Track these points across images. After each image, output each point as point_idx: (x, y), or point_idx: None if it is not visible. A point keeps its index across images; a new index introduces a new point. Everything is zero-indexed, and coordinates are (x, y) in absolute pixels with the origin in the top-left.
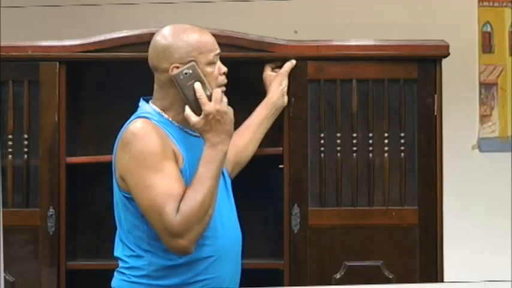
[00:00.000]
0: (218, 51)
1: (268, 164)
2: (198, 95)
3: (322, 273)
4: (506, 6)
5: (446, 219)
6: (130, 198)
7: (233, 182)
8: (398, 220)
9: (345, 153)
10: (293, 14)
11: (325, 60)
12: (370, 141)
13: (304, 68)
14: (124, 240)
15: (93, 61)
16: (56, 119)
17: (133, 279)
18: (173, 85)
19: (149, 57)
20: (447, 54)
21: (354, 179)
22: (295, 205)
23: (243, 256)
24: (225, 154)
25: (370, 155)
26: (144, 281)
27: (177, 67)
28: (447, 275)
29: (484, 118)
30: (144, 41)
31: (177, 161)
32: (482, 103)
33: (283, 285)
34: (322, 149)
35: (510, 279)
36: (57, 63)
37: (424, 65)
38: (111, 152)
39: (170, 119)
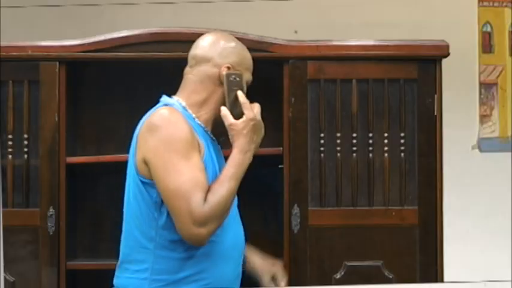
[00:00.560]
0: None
1: (268, 164)
2: (241, 100)
3: (322, 273)
4: (506, 6)
5: (446, 219)
6: (147, 184)
7: None
8: (398, 220)
9: (345, 153)
10: (293, 14)
11: (325, 60)
12: (370, 141)
13: (304, 68)
14: (130, 231)
15: (93, 61)
16: (56, 119)
17: (136, 274)
18: (214, 82)
19: (203, 48)
20: (447, 54)
21: (354, 179)
22: (295, 205)
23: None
24: (247, 165)
25: (370, 155)
26: (147, 275)
27: (229, 68)
28: (447, 275)
29: (484, 118)
30: (144, 41)
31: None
32: (482, 103)
33: None
34: (322, 149)
35: (510, 279)
36: (57, 63)
37: (424, 65)
38: (111, 152)
39: (193, 115)
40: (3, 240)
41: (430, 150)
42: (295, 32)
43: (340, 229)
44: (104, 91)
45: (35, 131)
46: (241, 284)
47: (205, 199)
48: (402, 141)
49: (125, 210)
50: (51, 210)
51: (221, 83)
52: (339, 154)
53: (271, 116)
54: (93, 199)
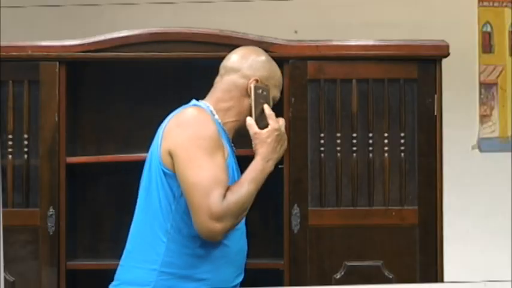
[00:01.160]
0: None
1: None
2: (267, 112)
3: (322, 273)
4: (506, 6)
5: (446, 219)
6: (169, 176)
7: None
8: (398, 220)
9: (345, 153)
10: (293, 14)
11: (325, 60)
12: (370, 141)
13: (304, 68)
14: (146, 222)
15: (93, 61)
16: (56, 119)
17: (145, 264)
18: (241, 92)
19: (233, 59)
20: (447, 54)
21: (354, 179)
22: (295, 205)
23: None
24: (268, 173)
25: (370, 155)
26: (156, 266)
27: (257, 81)
28: (447, 275)
29: (484, 118)
30: (144, 41)
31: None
32: (482, 103)
33: (283, 285)
34: (322, 149)
35: (510, 279)
36: (57, 63)
37: (424, 65)
38: (111, 152)
39: (220, 120)
40: (3, 240)
41: (430, 150)
42: (295, 32)
43: (340, 229)
44: (104, 91)
45: (35, 131)
46: (241, 284)
47: (224, 196)
48: (402, 141)
49: (139, 201)
50: (51, 210)
51: (248, 95)
52: (339, 154)
53: None
54: (93, 199)
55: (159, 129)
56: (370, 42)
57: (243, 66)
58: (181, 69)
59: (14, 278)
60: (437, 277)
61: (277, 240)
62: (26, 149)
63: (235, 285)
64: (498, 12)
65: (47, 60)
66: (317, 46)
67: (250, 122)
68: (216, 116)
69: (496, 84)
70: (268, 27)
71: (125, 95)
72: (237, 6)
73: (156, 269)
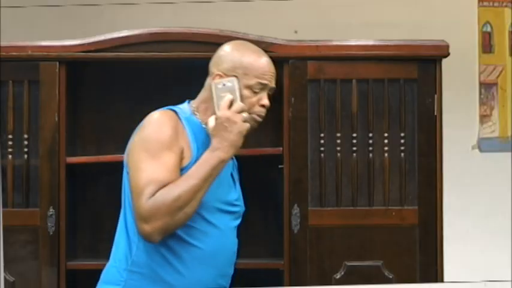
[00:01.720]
0: (265, 81)
1: (268, 164)
2: (221, 102)
3: (322, 273)
4: (506, 6)
5: (446, 219)
6: (129, 176)
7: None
8: (398, 220)
9: (345, 153)
10: (293, 14)
11: (325, 60)
12: (370, 141)
13: (304, 68)
14: (121, 221)
15: (93, 61)
16: (56, 119)
17: (118, 263)
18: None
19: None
20: (447, 54)
21: (354, 179)
22: (295, 205)
23: (241, 256)
24: (223, 162)
25: (370, 155)
26: (127, 266)
27: (220, 76)
28: (447, 275)
29: (484, 118)
30: (144, 41)
31: (183, 158)
32: (482, 103)
33: (283, 285)
34: (322, 149)
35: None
36: (57, 63)
37: (424, 65)
38: (111, 152)
39: (200, 120)
40: (3, 240)
41: (430, 150)
42: (295, 32)
43: (340, 229)
44: (104, 91)
45: (35, 131)
46: (241, 284)
47: (153, 195)
48: (402, 141)
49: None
50: (51, 210)
51: None
52: (339, 154)
53: (271, 116)
54: (93, 199)
55: None
56: (370, 42)
57: (211, 66)
58: (181, 69)
59: (14, 278)
60: (437, 277)
61: (277, 240)
62: (26, 149)
63: (221, 287)
64: (498, 12)
65: (47, 60)
66: (317, 46)
67: (210, 118)
68: (197, 116)
69: (496, 84)
70: (268, 27)
71: (124, 95)
72: (237, 6)
73: (126, 269)
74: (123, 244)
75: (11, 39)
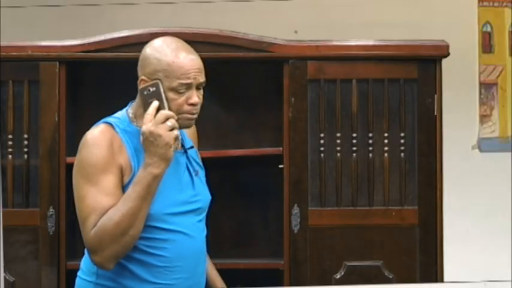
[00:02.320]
0: (189, 81)
1: (268, 164)
2: (145, 113)
3: (322, 273)
4: (506, 6)
5: (446, 219)
6: None
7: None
8: (398, 220)
9: (345, 153)
10: (293, 14)
11: (325, 60)
12: (370, 141)
13: (304, 68)
14: None
15: (93, 61)
16: (56, 119)
17: (86, 275)
18: None
19: None
20: (447, 54)
21: (353, 179)
22: (295, 205)
23: (241, 256)
24: (156, 178)
25: (370, 155)
26: (93, 278)
27: (145, 81)
28: (447, 275)
29: (484, 118)
30: (144, 41)
31: (123, 174)
32: (482, 103)
33: (283, 285)
34: (322, 149)
35: (510, 279)
36: (57, 63)
37: (424, 65)
38: None
39: (139, 127)
40: (3, 240)
41: (430, 150)
42: (295, 32)
43: (340, 229)
44: (104, 91)
45: (35, 131)
46: (241, 284)
47: (95, 225)
48: (402, 141)
49: None
50: (51, 210)
51: None
52: (339, 154)
53: (271, 116)
54: None
55: None
56: (370, 42)
57: (138, 70)
58: None
59: (14, 278)
60: (437, 277)
61: (277, 240)
62: (26, 149)
63: None
64: (498, 12)
65: (47, 60)
66: (317, 46)
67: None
68: (135, 124)
69: (496, 84)
70: (268, 27)
71: (125, 95)
72: (237, 6)
73: (92, 281)
74: (86, 259)
75: (11, 39)
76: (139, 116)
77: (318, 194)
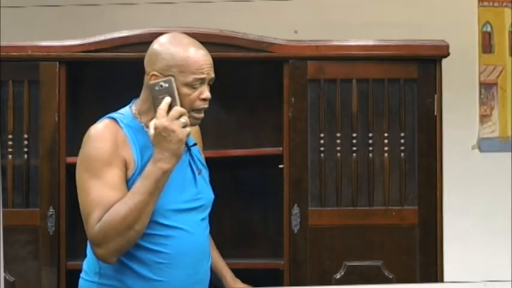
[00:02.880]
0: (203, 76)
1: (268, 164)
2: (158, 108)
3: (322, 273)
4: (506, 6)
5: (446, 219)
6: None
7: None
8: (398, 220)
9: (345, 153)
10: (293, 14)
11: (325, 60)
12: (370, 141)
13: (304, 68)
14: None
15: (93, 61)
16: (56, 119)
17: (87, 276)
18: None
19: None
20: (447, 54)
21: (353, 179)
22: (295, 205)
23: (241, 256)
24: (166, 173)
25: (370, 155)
26: (96, 278)
27: (156, 76)
28: (447, 275)
29: (484, 118)
30: (144, 41)
31: (127, 168)
32: (482, 103)
33: (283, 285)
34: (322, 149)
35: (510, 279)
36: (57, 63)
37: (424, 65)
38: None
39: (143, 123)
40: (3, 240)
41: (430, 150)
42: (295, 32)
43: (340, 229)
44: (104, 91)
45: (35, 131)
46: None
47: (100, 219)
48: (402, 141)
49: None
50: (51, 210)
51: None
52: (339, 154)
53: (271, 116)
54: None
55: None
56: (370, 42)
57: (146, 65)
58: None
59: (14, 278)
60: (437, 277)
61: (277, 240)
62: (26, 149)
63: None
64: (498, 12)
65: (47, 60)
66: (317, 46)
67: (151, 124)
68: (139, 120)
69: (496, 84)
70: (268, 27)
71: (124, 95)
72: (237, 6)
73: (95, 281)
74: (91, 257)
75: (11, 39)
76: (143, 112)
77: (318, 194)
